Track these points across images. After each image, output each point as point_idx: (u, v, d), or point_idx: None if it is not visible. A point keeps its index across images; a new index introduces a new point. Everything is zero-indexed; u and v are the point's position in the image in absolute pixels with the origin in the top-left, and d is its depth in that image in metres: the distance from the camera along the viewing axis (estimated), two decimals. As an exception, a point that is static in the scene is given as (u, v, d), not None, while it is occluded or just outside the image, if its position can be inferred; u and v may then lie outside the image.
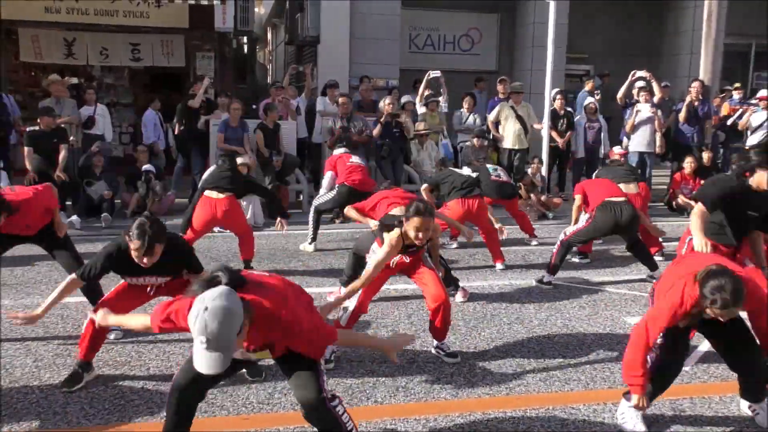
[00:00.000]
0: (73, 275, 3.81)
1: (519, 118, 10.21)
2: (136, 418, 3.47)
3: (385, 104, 9.58)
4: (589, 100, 10.77)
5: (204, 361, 2.49)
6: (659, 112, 10.09)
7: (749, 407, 3.61)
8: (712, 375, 4.15)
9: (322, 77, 11.95)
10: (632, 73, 10.28)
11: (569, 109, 10.74)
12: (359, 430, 3.36)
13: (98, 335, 3.88)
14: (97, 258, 3.78)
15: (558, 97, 10.34)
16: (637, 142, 10.04)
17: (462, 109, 10.75)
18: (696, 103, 10.27)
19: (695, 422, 3.53)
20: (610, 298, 5.68)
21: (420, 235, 3.93)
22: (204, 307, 2.47)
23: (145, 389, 3.80)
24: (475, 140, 9.58)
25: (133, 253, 3.60)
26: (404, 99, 10.43)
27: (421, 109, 10.34)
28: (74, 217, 8.23)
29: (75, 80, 10.63)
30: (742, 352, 3.41)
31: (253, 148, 9.17)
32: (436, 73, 10.45)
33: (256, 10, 17.69)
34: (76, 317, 4.92)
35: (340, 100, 9.38)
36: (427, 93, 10.56)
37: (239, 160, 7.90)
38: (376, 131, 9.44)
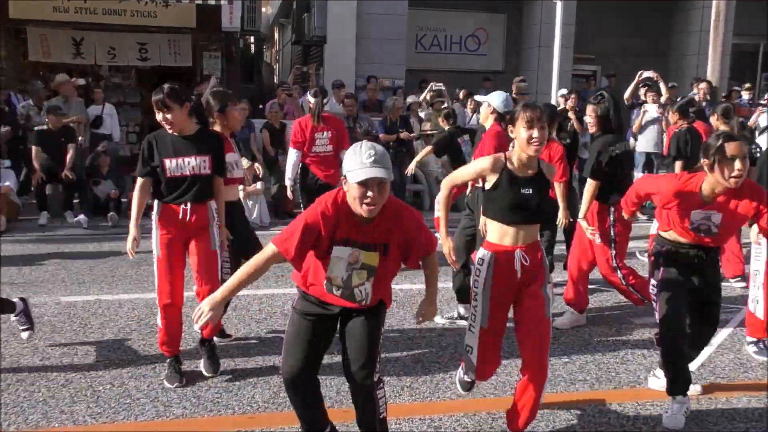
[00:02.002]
0: (139, 178, 3.87)
1: (525, 118, 10.16)
2: (143, 417, 3.49)
3: (393, 104, 9.58)
4: None
5: (371, 172, 2.53)
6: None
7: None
8: (718, 376, 4.15)
9: (328, 77, 11.97)
10: (639, 73, 10.25)
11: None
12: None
13: (173, 327, 3.92)
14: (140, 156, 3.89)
15: (572, 96, 10.24)
16: (644, 143, 10.02)
17: (465, 109, 10.75)
18: (703, 104, 10.24)
19: (701, 423, 3.52)
20: (616, 298, 5.66)
21: (535, 133, 3.02)
22: (361, 143, 2.64)
23: (152, 388, 3.81)
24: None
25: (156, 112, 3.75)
26: (410, 99, 10.44)
27: (426, 111, 10.34)
28: (81, 216, 8.27)
29: (82, 81, 10.67)
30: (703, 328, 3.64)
31: (260, 148, 9.19)
32: (440, 86, 10.47)
33: (263, 10, 17.73)
34: (83, 316, 4.94)
35: (345, 101, 9.39)
36: (431, 96, 10.58)
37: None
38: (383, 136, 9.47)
